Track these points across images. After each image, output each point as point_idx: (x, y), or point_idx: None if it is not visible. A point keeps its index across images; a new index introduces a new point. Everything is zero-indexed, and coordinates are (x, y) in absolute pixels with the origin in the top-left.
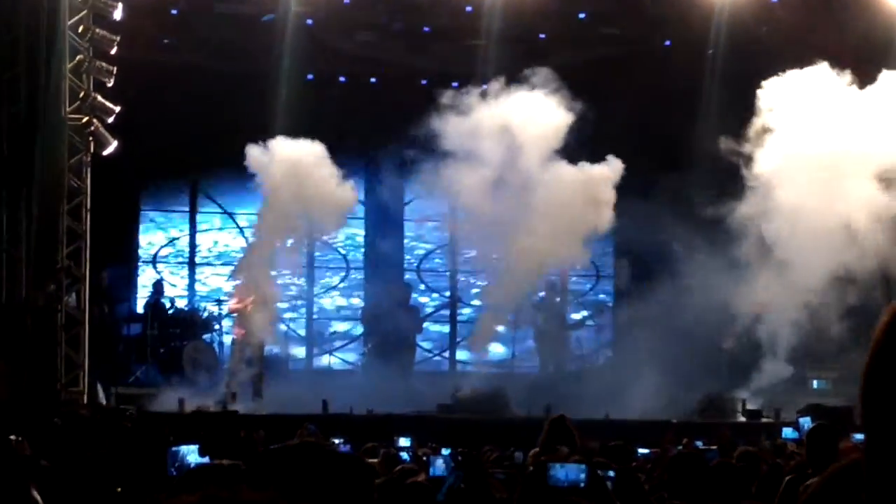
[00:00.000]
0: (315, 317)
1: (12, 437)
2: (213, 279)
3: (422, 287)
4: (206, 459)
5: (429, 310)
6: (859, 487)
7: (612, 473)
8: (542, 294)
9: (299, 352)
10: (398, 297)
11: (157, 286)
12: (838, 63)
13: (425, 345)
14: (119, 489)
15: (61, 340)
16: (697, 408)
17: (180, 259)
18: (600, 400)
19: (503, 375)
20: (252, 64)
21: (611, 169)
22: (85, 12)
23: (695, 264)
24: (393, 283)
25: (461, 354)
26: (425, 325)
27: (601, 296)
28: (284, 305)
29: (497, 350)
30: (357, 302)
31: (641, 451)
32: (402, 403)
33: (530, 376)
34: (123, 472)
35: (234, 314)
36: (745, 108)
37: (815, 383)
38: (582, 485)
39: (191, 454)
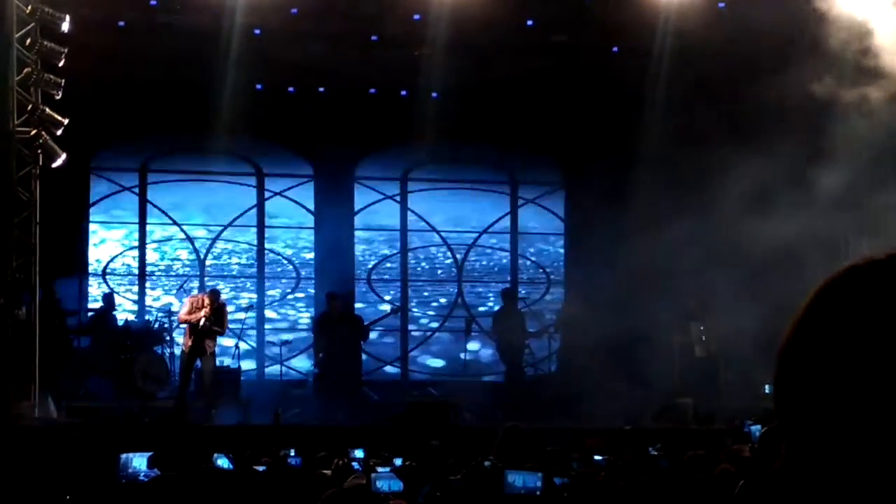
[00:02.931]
0: (267, 327)
1: None
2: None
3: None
4: (154, 472)
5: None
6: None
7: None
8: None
9: (250, 364)
10: (340, 306)
11: (108, 298)
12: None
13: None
14: (67, 497)
15: (11, 353)
16: (652, 414)
17: (130, 272)
18: (555, 408)
19: (456, 384)
20: (199, 75)
21: None
22: (32, 25)
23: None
24: (336, 292)
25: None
26: (373, 335)
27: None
28: (240, 316)
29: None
30: (305, 318)
31: (596, 457)
32: (354, 414)
33: (487, 385)
34: (72, 479)
35: (184, 325)
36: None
37: (766, 388)
38: (538, 493)
39: (139, 462)
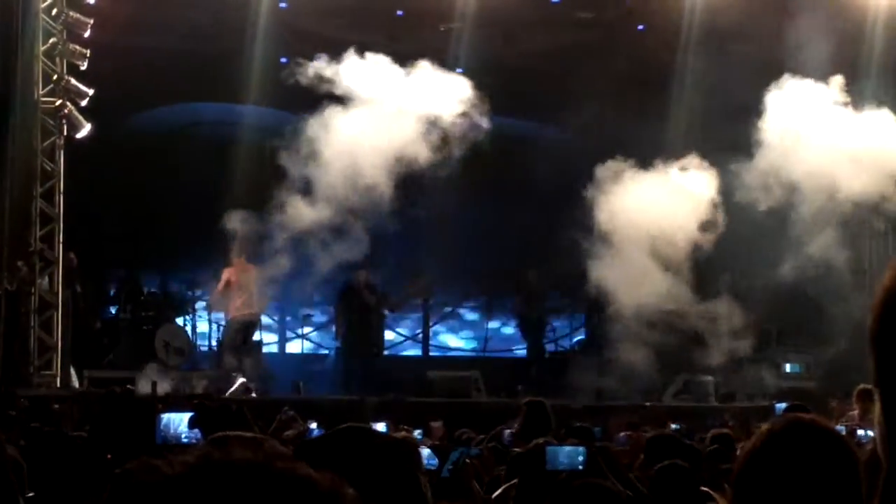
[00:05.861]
0: None
1: None
2: None
3: None
4: (194, 433)
5: None
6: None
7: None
8: None
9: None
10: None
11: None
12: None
13: (402, 330)
14: (109, 456)
15: (34, 324)
16: (672, 391)
17: None
18: (576, 385)
19: (479, 360)
20: (224, 47)
21: None
22: None
23: None
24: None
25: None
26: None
27: None
28: None
29: None
30: None
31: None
32: (374, 388)
33: (508, 361)
34: (113, 440)
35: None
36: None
37: (787, 367)
38: (580, 468)
39: (180, 423)
